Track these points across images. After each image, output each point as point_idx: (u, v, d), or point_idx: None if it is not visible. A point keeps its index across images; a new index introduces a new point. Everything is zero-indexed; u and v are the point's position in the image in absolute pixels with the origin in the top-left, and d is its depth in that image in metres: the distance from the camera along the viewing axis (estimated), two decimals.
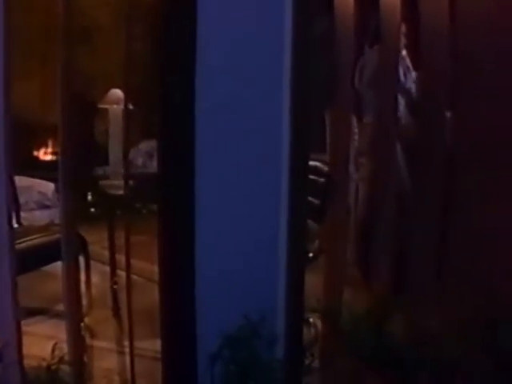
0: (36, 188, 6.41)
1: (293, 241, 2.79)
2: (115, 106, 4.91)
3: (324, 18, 3.54)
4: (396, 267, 3.59)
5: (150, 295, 3.12)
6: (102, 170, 5.29)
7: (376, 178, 3.95)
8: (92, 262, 4.75)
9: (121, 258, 4.16)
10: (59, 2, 2.95)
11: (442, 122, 3.53)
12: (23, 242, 4.30)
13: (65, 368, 2.66)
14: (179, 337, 2.81)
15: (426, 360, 2.70)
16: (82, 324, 3.74)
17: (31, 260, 4.20)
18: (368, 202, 4.25)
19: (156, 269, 2.87)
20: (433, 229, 3.50)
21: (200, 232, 2.72)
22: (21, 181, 5.21)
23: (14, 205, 4.67)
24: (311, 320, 3.26)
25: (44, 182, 6.27)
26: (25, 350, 2.78)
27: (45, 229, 4.65)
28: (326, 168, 4.16)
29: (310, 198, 3.56)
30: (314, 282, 3.48)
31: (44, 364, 2.61)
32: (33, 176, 6.31)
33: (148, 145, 7.47)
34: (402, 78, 4.47)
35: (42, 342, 2.94)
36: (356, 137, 5.90)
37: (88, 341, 3.87)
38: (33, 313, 4.38)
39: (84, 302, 4.15)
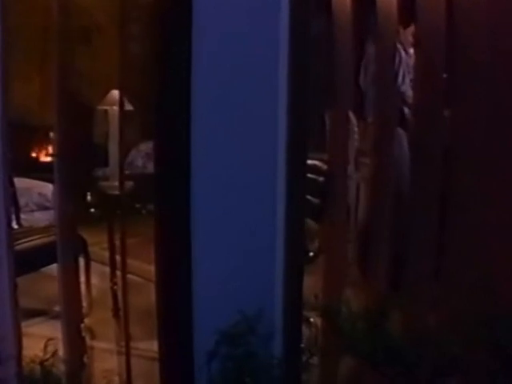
0: (36, 189, 6.40)
1: (290, 238, 2.79)
2: (115, 108, 4.91)
3: (322, 15, 3.54)
4: (395, 266, 3.58)
5: (151, 296, 3.11)
6: (101, 171, 5.29)
7: (377, 177, 3.94)
8: (92, 263, 4.75)
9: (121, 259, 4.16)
10: (55, 3, 2.94)
11: (441, 122, 3.53)
12: (23, 243, 4.31)
13: (60, 366, 2.66)
14: (176, 334, 2.81)
15: (425, 359, 2.69)
16: (83, 325, 3.75)
17: (31, 261, 4.20)
18: (369, 202, 4.25)
19: None
20: (432, 228, 3.50)
21: (197, 230, 2.72)
22: (20, 182, 5.22)
23: (14, 206, 4.68)
24: (311, 320, 3.26)
25: (44, 184, 6.26)
26: (24, 352, 2.79)
27: (45, 230, 4.65)
28: (325, 167, 4.16)
29: (309, 197, 3.56)
30: (314, 281, 3.48)
31: (37, 360, 2.62)
32: (33, 177, 6.31)
33: (148, 146, 7.44)
34: (400, 78, 4.48)
35: (42, 343, 2.93)
36: (356, 136, 5.90)
37: (88, 341, 3.87)
38: (33, 314, 4.38)
39: (84, 302, 4.15)
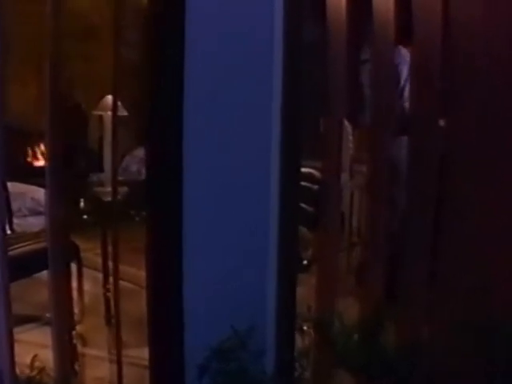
0: (29, 194, 6.38)
1: (283, 249, 2.77)
2: (109, 113, 4.89)
3: (317, 21, 3.52)
4: (390, 276, 3.56)
5: (144, 303, 3.10)
6: (96, 177, 5.28)
7: (372, 185, 3.92)
8: (85, 269, 4.73)
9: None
10: (49, 8, 2.93)
11: (437, 129, 3.52)
12: (16, 248, 4.29)
13: (48, 380, 2.64)
14: (167, 348, 2.78)
15: (419, 370, 2.67)
16: (74, 332, 3.73)
17: (24, 267, 4.18)
18: (364, 210, 4.24)
19: None
20: (428, 237, 3.48)
21: (188, 239, 2.70)
22: (14, 187, 5.19)
23: (7, 211, 4.65)
24: (305, 328, 3.23)
25: (37, 189, 6.23)
26: (17, 358, 2.76)
27: (38, 235, 4.62)
28: (320, 175, 4.15)
29: (303, 206, 3.54)
30: (307, 290, 3.46)
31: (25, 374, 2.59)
32: (26, 182, 6.29)
33: (142, 152, 7.44)
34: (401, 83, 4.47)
35: (34, 349, 2.91)
36: (351, 144, 5.89)
37: (80, 349, 3.85)
38: (25, 320, 4.36)
39: (76, 309, 4.13)
